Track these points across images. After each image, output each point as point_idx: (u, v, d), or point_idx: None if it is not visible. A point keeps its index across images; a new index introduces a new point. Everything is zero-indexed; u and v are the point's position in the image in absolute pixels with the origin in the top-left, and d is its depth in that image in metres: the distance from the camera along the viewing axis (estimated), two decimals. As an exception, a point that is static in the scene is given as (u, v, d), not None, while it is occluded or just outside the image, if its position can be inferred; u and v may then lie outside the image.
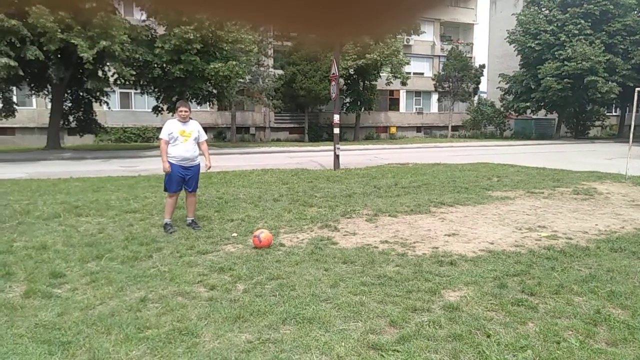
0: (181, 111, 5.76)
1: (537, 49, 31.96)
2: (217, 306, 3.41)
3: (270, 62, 28.57)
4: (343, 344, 2.83)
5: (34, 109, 26.74)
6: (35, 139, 25.60)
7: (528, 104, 33.49)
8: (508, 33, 34.11)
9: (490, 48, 44.37)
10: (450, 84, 34.52)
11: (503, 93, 35.72)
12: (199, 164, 5.95)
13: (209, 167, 6.09)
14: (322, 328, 3.05)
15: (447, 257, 4.62)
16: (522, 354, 2.69)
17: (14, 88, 20.26)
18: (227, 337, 2.94)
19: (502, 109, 36.52)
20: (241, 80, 24.15)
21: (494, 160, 15.11)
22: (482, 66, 36.18)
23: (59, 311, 3.33)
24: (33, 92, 20.89)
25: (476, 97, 37.80)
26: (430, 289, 3.70)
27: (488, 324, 3.08)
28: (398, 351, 2.74)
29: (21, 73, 16.37)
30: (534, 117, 37.12)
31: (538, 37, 31.85)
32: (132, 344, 2.86)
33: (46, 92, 21.01)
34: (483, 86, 39.99)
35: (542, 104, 33.31)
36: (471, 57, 37.35)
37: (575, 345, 2.78)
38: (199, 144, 5.91)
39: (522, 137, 34.83)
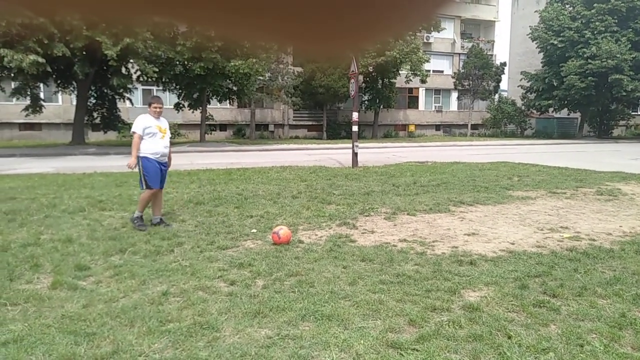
0: (156, 107, 5.73)
1: (560, 46, 31.32)
2: (237, 301, 3.45)
3: (290, 59, 28.61)
4: (362, 341, 2.84)
5: (60, 105, 27.36)
6: (61, 135, 26.21)
7: (550, 102, 32.89)
8: (530, 30, 33.51)
9: (511, 45, 43.66)
10: (471, 82, 34.10)
11: (524, 91, 35.13)
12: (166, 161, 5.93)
13: (169, 166, 6.05)
14: (341, 325, 3.06)
15: (466, 256, 4.58)
16: (544, 357, 2.66)
17: (41, 84, 20.77)
18: (247, 332, 2.98)
19: (523, 107, 35.93)
20: (261, 77, 24.29)
21: (514, 160, 14.90)
22: (503, 64, 35.64)
23: (84, 303, 3.41)
24: (59, 88, 21.40)
25: (497, 95, 37.26)
26: (449, 289, 3.67)
27: (509, 325, 3.05)
28: (417, 350, 2.74)
29: (48, 70, 16.76)
30: (556, 115, 36.42)
31: (561, 34, 31.21)
32: (155, 336, 2.91)
33: (72, 89, 21.49)
34: (504, 84, 39.38)
35: (565, 102, 32.66)
36: (492, 55, 36.84)
37: (600, 349, 2.74)
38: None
39: (543, 136, 34.23)
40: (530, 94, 34.79)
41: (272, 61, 24.69)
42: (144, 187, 5.71)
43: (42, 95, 21.82)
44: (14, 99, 21.93)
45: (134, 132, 5.64)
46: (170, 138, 6.09)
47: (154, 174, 5.67)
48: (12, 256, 4.47)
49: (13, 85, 19.68)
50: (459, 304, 3.39)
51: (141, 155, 5.65)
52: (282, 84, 27.28)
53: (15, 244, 4.88)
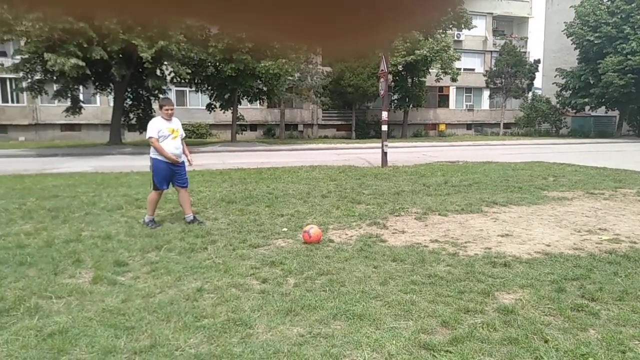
0: (167, 109, 5.80)
1: (596, 42, 30.25)
2: (269, 299, 3.50)
3: (319, 59, 28.68)
4: (394, 342, 2.83)
5: (98, 106, 28.32)
6: (99, 135, 27.13)
7: (586, 100, 31.82)
8: (566, 26, 32.48)
9: (546, 42, 42.41)
10: (503, 80, 33.36)
11: (559, 89, 34.09)
12: (184, 161, 6.03)
13: (191, 163, 6.16)
14: (372, 325, 3.06)
15: (500, 258, 4.50)
16: (583, 362, 2.59)
17: (81, 87, 21.57)
18: (279, 330, 3.02)
19: (558, 105, 34.88)
20: (290, 77, 24.47)
21: (549, 159, 14.49)
22: (537, 61, 34.71)
23: (123, 298, 3.53)
24: (97, 90, 22.16)
25: (530, 94, 36.33)
26: (483, 291, 3.62)
27: (545, 328, 2.98)
28: (450, 352, 2.71)
29: (88, 72, 17.39)
30: (593, 114, 35.21)
31: (598, 30, 30.13)
32: (190, 332, 2.99)
33: (109, 91, 22.22)
34: (538, 82, 38.33)
35: (602, 100, 31.53)
36: (525, 52, 35.93)
37: (642, 355, 2.65)
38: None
39: (579, 135, 33.15)
40: (566, 91, 33.75)
41: (302, 61, 24.82)
42: (152, 187, 5.89)
43: (81, 97, 22.67)
44: (56, 101, 22.90)
45: (150, 138, 5.75)
46: (186, 137, 6.16)
47: (163, 175, 5.79)
48: (56, 251, 4.67)
49: (55, 87, 20.48)
50: (493, 306, 3.34)
51: (152, 156, 5.81)
52: (311, 84, 27.39)
53: (58, 240, 5.10)
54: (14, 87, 23.39)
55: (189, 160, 6.12)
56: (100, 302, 3.45)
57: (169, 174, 5.83)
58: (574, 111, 34.44)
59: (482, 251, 4.79)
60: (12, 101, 27.72)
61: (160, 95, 22.67)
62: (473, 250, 4.85)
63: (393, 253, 4.66)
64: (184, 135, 6.11)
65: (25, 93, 21.80)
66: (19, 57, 18.60)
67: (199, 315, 3.21)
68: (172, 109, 5.86)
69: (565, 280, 3.86)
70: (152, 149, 5.80)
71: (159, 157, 5.77)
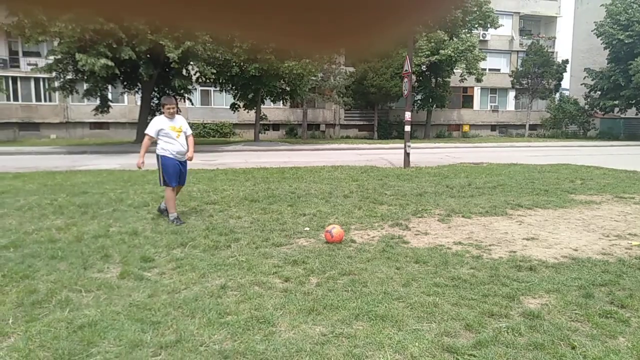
0: (168, 107, 5.84)
1: (628, 42, 29.40)
2: (292, 298, 3.52)
3: (342, 59, 28.66)
4: (417, 344, 2.82)
5: (126, 105, 28.97)
6: (127, 133, 27.76)
7: (616, 102, 30.95)
8: (596, 25, 31.64)
9: (574, 42, 41.38)
10: (529, 81, 32.74)
11: (588, 90, 33.26)
12: (186, 160, 6.07)
13: (191, 159, 6.12)
14: (395, 326, 3.05)
15: (525, 262, 4.43)
16: (612, 369, 2.53)
17: (109, 86, 22.12)
18: (301, 329, 3.03)
19: (586, 107, 34.04)
20: (313, 77, 24.54)
21: (576, 162, 14.14)
22: (565, 61, 33.91)
23: (149, 293, 3.61)
24: (125, 89, 22.67)
25: (557, 94, 35.54)
26: (508, 294, 3.57)
27: (573, 334, 2.92)
28: (474, 356, 2.68)
29: (116, 72, 17.81)
30: (623, 116, 34.18)
31: (630, 29, 29.27)
32: (214, 328, 3.03)
33: (137, 90, 22.70)
34: (565, 83, 37.44)
35: (633, 102, 30.60)
36: (553, 52, 35.15)
37: (674, 365, 2.57)
38: (186, 138, 6.01)
39: (608, 138, 32.27)
40: (595, 92, 32.89)
41: (325, 62, 24.85)
42: (162, 183, 5.95)
43: (109, 96, 23.21)
44: (86, 100, 23.49)
45: (146, 133, 5.88)
46: (193, 135, 6.18)
47: (173, 171, 5.85)
48: (86, 246, 4.81)
49: (85, 87, 21.04)
50: (518, 311, 3.29)
51: (161, 154, 5.86)
52: (334, 84, 27.40)
53: (87, 235, 5.25)
54: (46, 86, 24.13)
55: (190, 154, 6.07)
56: (128, 296, 3.54)
57: (177, 170, 5.91)
58: (603, 113, 33.55)
59: (507, 254, 4.72)
60: (45, 100, 28.61)
61: (186, 95, 23.08)
62: (497, 253, 4.78)
63: (416, 255, 4.64)
64: (190, 132, 6.11)
65: (57, 92, 22.46)
66: (52, 57, 19.19)
67: (223, 312, 3.26)
68: (173, 108, 5.92)
69: (593, 285, 3.77)
70: (158, 146, 5.88)
71: (167, 155, 5.84)
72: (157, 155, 5.91)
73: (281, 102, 26.14)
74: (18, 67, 27.95)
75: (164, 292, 3.62)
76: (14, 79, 28.05)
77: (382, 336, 2.91)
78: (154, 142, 5.95)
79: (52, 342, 2.81)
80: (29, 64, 26.54)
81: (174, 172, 5.87)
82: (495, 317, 3.19)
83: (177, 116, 6.02)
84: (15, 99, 28.23)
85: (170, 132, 5.83)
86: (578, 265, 4.32)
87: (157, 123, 5.89)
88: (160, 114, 6.08)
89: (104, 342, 2.83)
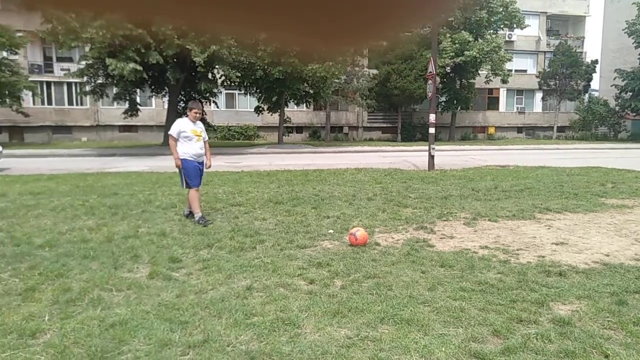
0: (196, 112, 6.09)
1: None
2: (317, 300, 3.53)
3: (365, 61, 28.62)
4: (443, 349, 2.80)
5: (153, 108, 29.60)
6: (154, 136, 28.36)
7: (649, 103, 29.92)
8: (627, 24, 30.70)
9: (604, 41, 40.22)
10: (557, 82, 32.01)
11: (619, 91, 32.25)
12: (203, 161, 6.28)
13: (209, 167, 6.40)
14: (420, 331, 3.03)
15: (555, 267, 4.33)
16: (646, 379, 2.46)
17: (138, 90, 22.66)
18: (327, 331, 3.04)
19: (617, 108, 33.02)
20: (337, 80, 24.57)
21: (607, 165, 13.74)
22: (595, 62, 33.02)
23: (177, 293, 3.68)
24: (153, 93, 23.18)
25: (586, 96, 34.61)
26: (537, 300, 3.50)
27: (605, 343, 2.85)
28: (502, 362, 2.65)
29: (145, 76, 18.25)
30: (656, 117, 33.06)
31: (664, 28, 28.30)
32: (241, 329, 3.07)
33: (164, 94, 23.18)
34: (595, 83, 36.41)
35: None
36: (582, 52, 34.28)
37: None
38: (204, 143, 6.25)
39: (641, 140, 31.22)
40: (625, 93, 31.89)
41: (348, 64, 24.86)
42: (185, 186, 6.15)
43: (138, 100, 23.75)
44: (115, 104, 24.14)
45: (170, 135, 6.10)
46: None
47: (194, 173, 6.08)
48: (116, 246, 4.94)
49: (115, 90, 21.60)
50: (548, 317, 3.23)
51: (181, 157, 6.05)
52: (357, 86, 27.36)
53: (118, 236, 5.39)
54: (78, 90, 24.87)
55: (208, 162, 6.35)
56: (157, 296, 3.62)
57: (198, 171, 6.13)
58: (634, 114, 32.48)
59: (536, 259, 4.63)
60: (77, 104, 29.48)
61: (211, 98, 23.43)
62: (525, 258, 4.70)
63: (441, 258, 4.59)
64: (207, 139, 6.38)
65: (88, 96, 23.11)
66: (83, 62, 19.81)
67: (249, 313, 3.30)
68: (199, 113, 6.18)
69: (627, 292, 3.66)
70: (180, 150, 6.08)
71: (188, 157, 6.05)
72: (180, 159, 6.09)
73: (304, 104, 26.21)
74: (52, 72, 28.91)
75: (191, 293, 3.69)
76: (48, 83, 29.02)
77: (408, 340, 2.90)
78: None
79: (86, 339, 2.90)
80: (62, 69, 27.44)
81: (195, 174, 6.09)
82: (524, 323, 3.13)
83: (198, 121, 6.26)
84: (49, 103, 29.20)
85: (191, 135, 6.05)
86: (610, 271, 4.20)
87: (180, 125, 6.10)
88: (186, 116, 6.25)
89: (135, 341, 2.90)
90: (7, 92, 22.73)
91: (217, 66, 19.73)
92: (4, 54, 23.60)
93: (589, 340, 2.87)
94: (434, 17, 0.38)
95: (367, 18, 0.37)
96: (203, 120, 25.40)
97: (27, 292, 3.66)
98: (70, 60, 28.06)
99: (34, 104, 27.82)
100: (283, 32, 0.38)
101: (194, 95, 23.60)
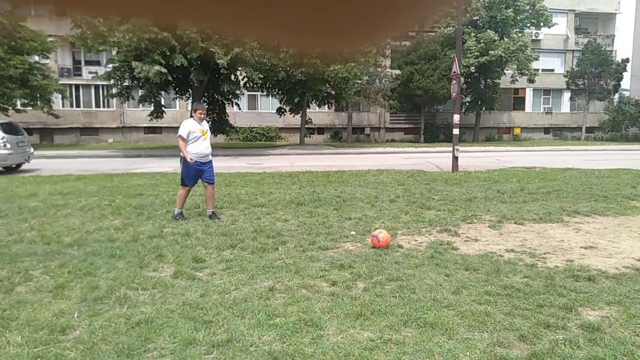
0: (201, 113, 6.38)
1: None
2: (339, 302, 3.53)
3: (388, 62, 28.46)
4: (468, 353, 2.75)
5: (177, 110, 30.09)
6: (178, 138, 28.78)
7: (684, 102, 28.86)
8: (662, 21, 29.70)
9: (635, 39, 38.93)
10: (586, 81, 31.18)
11: (652, 90, 31.22)
12: (211, 159, 6.54)
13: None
14: (444, 335, 3.00)
15: (584, 271, 4.22)
16: (682, 390, 2.37)
17: (162, 92, 23.09)
18: (349, 333, 3.04)
19: (649, 108, 31.95)
20: (359, 81, 24.51)
21: (638, 166, 13.31)
22: (625, 60, 32.02)
23: (201, 292, 3.72)
24: (177, 95, 23.58)
25: (617, 95, 33.58)
26: (565, 305, 3.42)
27: (637, 350, 2.76)
28: (529, 368, 2.59)
29: (169, 79, 18.60)
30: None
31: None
32: (263, 329, 3.09)
33: (187, 96, 23.55)
34: (626, 83, 35.28)
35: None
36: (612, 51, 33.29)
37: None
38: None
39: (675, 141, 30.12)
40: (659, 92, 30.85)
41: (370, 65, 24.76)
42: (181, 183, 6.44)
43: (162, 102, 24.18)
44: (141, 106, 24.61)
45: (179, 136, 6.32)
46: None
47: (193, 174, 6.35)
48: (141, 246, 5.04)
49: (140, 93, 22.05)
50: (576, 323, 3.14)
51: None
52: (380, 87, 27.22)
53: (143, 235, 5.49)
54: (105, 93, 25.48)
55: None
56: (181, 295, 3.67)
57: (198, 172, 6.36)
58: (668, 114, 31.41)
59: (564, 263, 4.51)
60: (103, 106, 30.21)
61: (234, 100, 23.67)
62: (553, 262, 4.59)
63: (466, 261, 4.53)
64: (209, 134, 6.64)
65: (114, 98, 23.65)
66: (110, 65, 20.28)
67: (272, 314, 3.31)
68: (204, 113, 6.50)
69: (660, 299, 3.54)
70: (188, 149, 6.30)
71: (192, 156, 6.26)
72: (182, 157, 6.36)
73: (326, 105, 26.22)
74: (80, 75, 29.70)
75: (215, 292, 3.73)
76: (77, 86, 29.82)
77: (431, 344, 2.86)
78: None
79: (113, 336, 2.96)
80: (90, 72, 28.16)
81: (194, 175, 6.38)
82: (551, 329, 3.06)
83: (204, 121, 6.58)
84: (78, 105, 29.99)
85: (198, 134, 6.31)
86: (642, 277, 4.07)
87: (188, 125, 6.35)
88: (217, 120, 6.50)
89: (160, 339, 2.95)
90: (38, 95, 23.43)
91: (239, 68, 19.94)
92: (36, 58, 24.35)
93: (619, 347, 2.79)
94: (432, 14, 0.38)
95: (370, 13, 0.37)
96: (226, 122, 25.76)
97: (57, 289, 3.76)
98: (97, 63, 28.79)
99: (63, 106, 28.59)
100: (299, 32, 0.38)
101: (216, 96, 23.88)
